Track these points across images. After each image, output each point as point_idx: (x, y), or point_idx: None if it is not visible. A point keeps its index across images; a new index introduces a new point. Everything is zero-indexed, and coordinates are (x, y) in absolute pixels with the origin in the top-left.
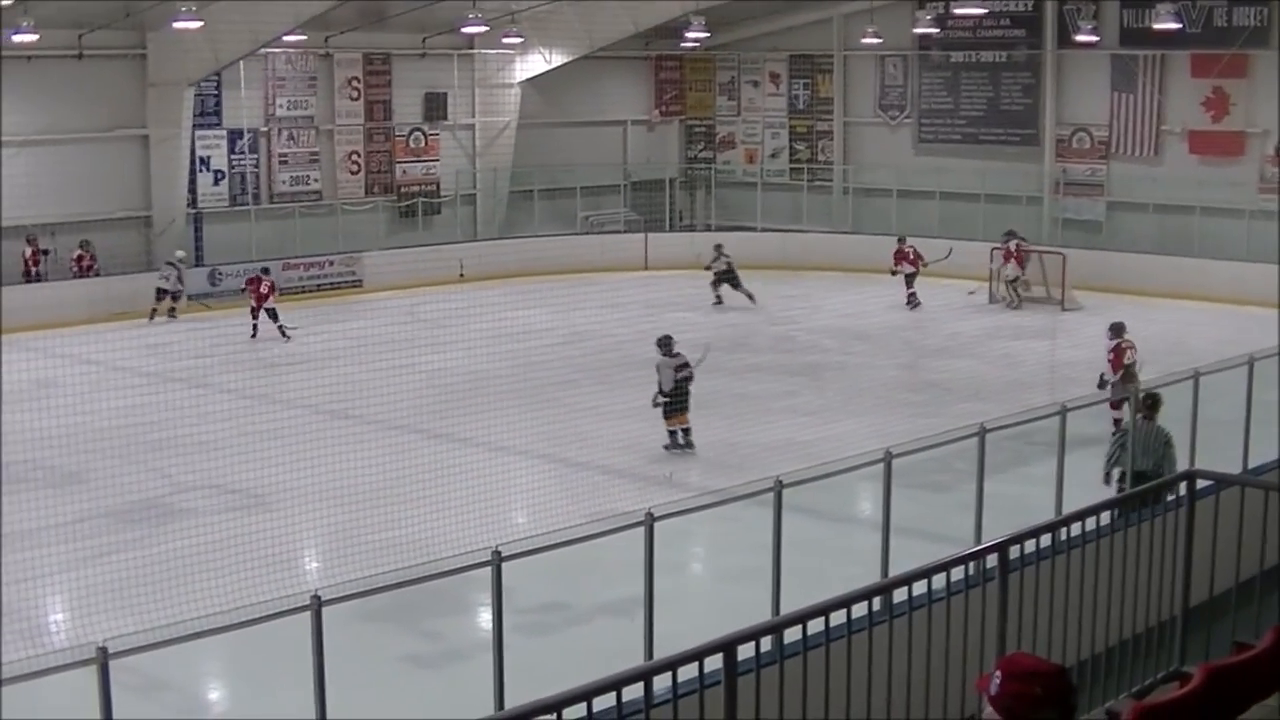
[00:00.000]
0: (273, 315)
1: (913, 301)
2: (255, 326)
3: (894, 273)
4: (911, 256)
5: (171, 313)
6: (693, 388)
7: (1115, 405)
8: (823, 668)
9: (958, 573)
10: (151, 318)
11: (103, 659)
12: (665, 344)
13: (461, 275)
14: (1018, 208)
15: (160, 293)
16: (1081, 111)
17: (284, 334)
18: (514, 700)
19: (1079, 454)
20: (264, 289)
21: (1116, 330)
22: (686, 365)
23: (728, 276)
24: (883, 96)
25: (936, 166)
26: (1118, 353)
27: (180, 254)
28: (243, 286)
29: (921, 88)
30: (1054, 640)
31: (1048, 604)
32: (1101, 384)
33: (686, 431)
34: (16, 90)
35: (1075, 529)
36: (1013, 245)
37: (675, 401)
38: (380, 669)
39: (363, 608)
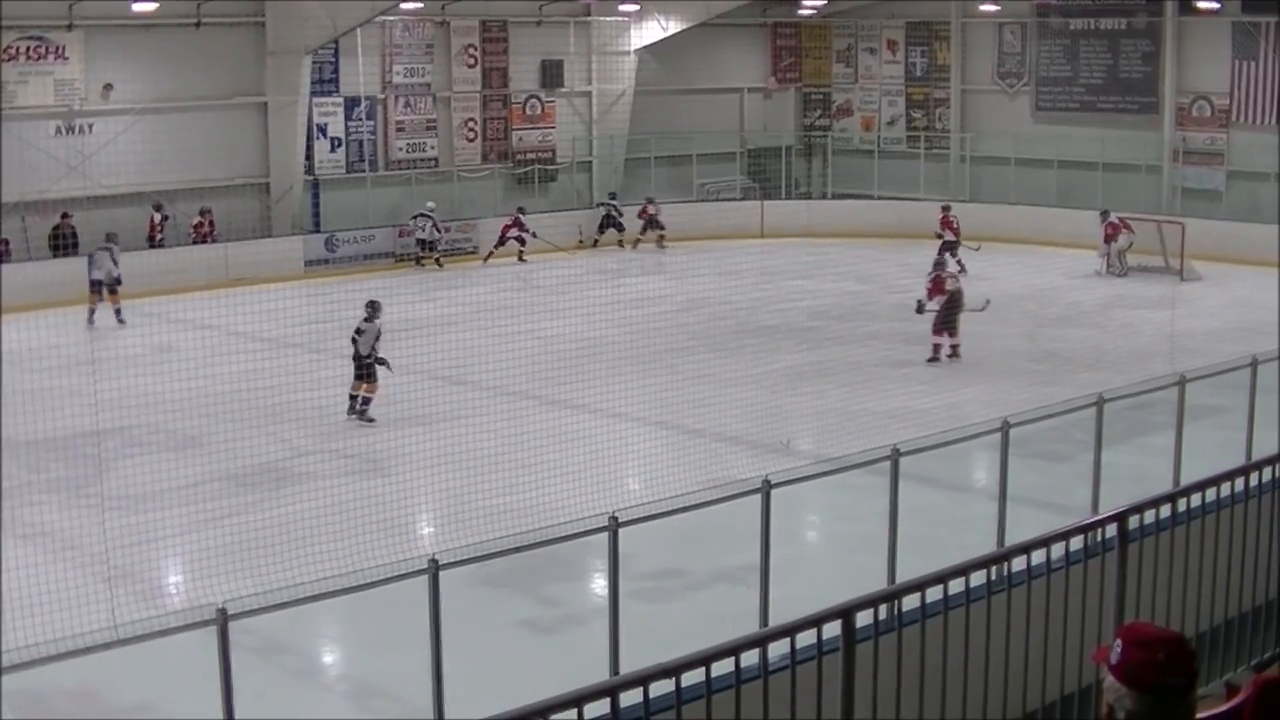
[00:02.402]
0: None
1: (962, 266)
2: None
3: (939, 236)
4: (955, 225)
5: (438, 262)
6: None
7: (936, 332)
8: (940, 636)
9: (1075, 542)
10: (419, 263)
11: (222, 620)
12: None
13: (580, 242)
14: (1136, 176)
15: (420, 244)
16: (1202, 79)
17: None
18: (629, 666)
19: (1198, 424)
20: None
21: (938, 264)
22: (359, 333)
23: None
24: (1000, 64)
25: (1054, 135)
26: (937, 282)
27: (431, 205)
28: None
29: (1040, 55)
30: (1172, 611)
31: (1166, 575)
32: (920, 309)
33: (352, 398)
34: (136, 59)
35: (1195, 499)
36: (1115, 218)
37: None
38: (496, 634)
39: (479, 572)
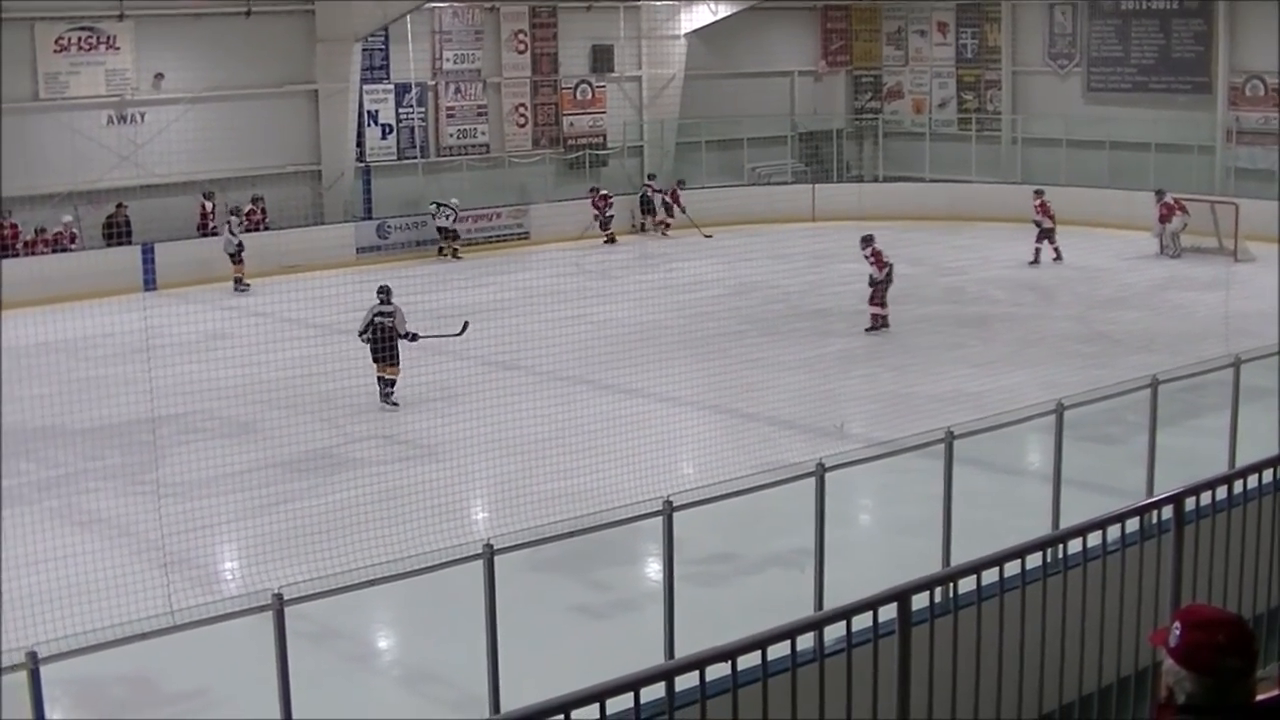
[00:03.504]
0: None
1: (1057, 256)
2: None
3: (1038, 224)
4: (1051, 211)
5: (455, 254)
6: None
7: (875, 302)
8: (996, 618)
9: (1131, 525)
10: (441, 253)
11: (278, 605)
12: (381, 290)
13: (634, 226)
14: (1189, 157)
15: (441, 232)
16: (1255, 58)
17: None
18: (684, 650)
19: (1252, 406)
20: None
21: (867, 240)
22: (389, 315)
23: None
24: (1051, 45)
25: (1106, 116)
26: (877, 256)
27: (455, 200)
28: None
29: (1091, 35)
30: (1229, 594)
31: (1223, 557)
32: (872, 283)
33: (382, 381)
34: (186, 48)
35: (1251, 481)
36: (1170, 199)
37: (374, 349)
38: (550, 618)
39: (532, 557)
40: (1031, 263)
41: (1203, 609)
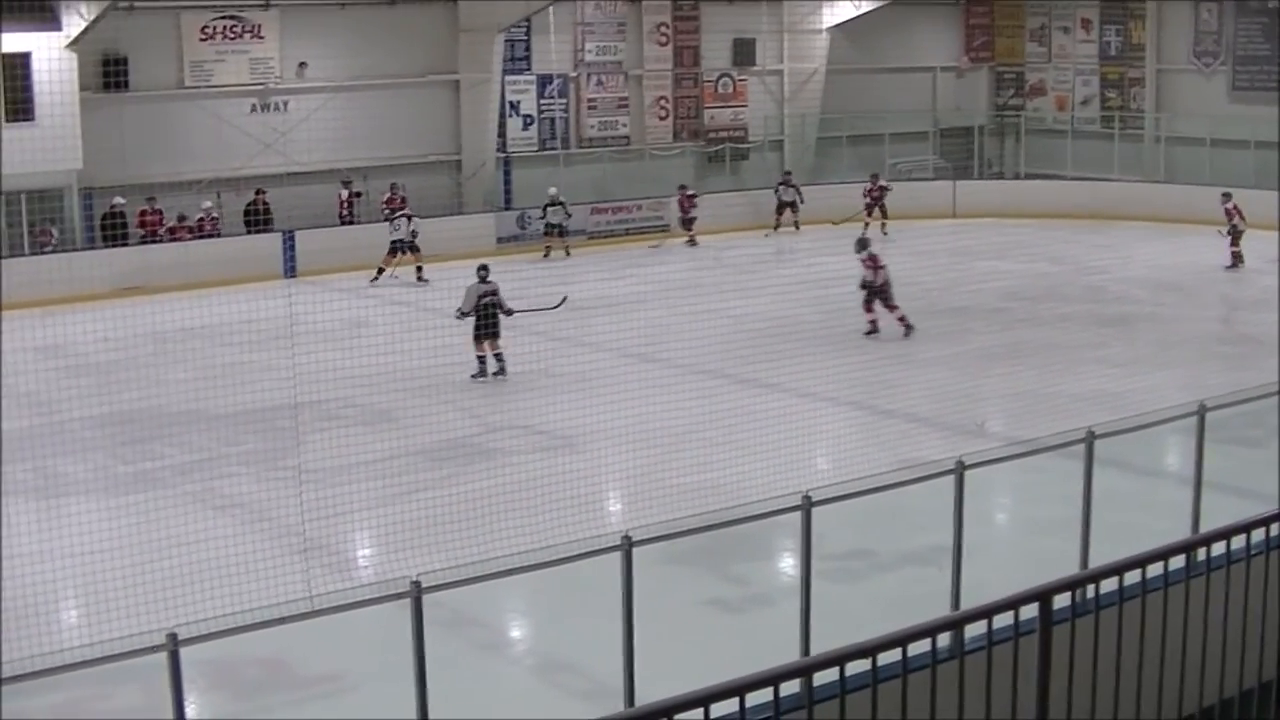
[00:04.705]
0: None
1: (1237, 261)
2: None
3: (1231, 231)
4: (1242, 212)
5: (566, 250)
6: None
7: (868, 307)
8: (1137, 620)
9: (1273, 530)
10: (547, 254)
11: (417, 593)
12: (481, 269)
13: (766, 234)
14: None
15: (550, 229)
16: None
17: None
18: (820, 646)
19: None
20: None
21: (863, 244)
22: (494, 293)
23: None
24: (1197, 43)
25: (1252, 115)
26: (873, 260)
27: (553, 190)
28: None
29: (1238, 33)
30: None
31: None
32: (863, 285)
33: (498, 357)
34: (330, 37)
35: None
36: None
37: (481, 327)
38: (685, 612)
39: (668, 550)
40: (1229, 267)
41: None
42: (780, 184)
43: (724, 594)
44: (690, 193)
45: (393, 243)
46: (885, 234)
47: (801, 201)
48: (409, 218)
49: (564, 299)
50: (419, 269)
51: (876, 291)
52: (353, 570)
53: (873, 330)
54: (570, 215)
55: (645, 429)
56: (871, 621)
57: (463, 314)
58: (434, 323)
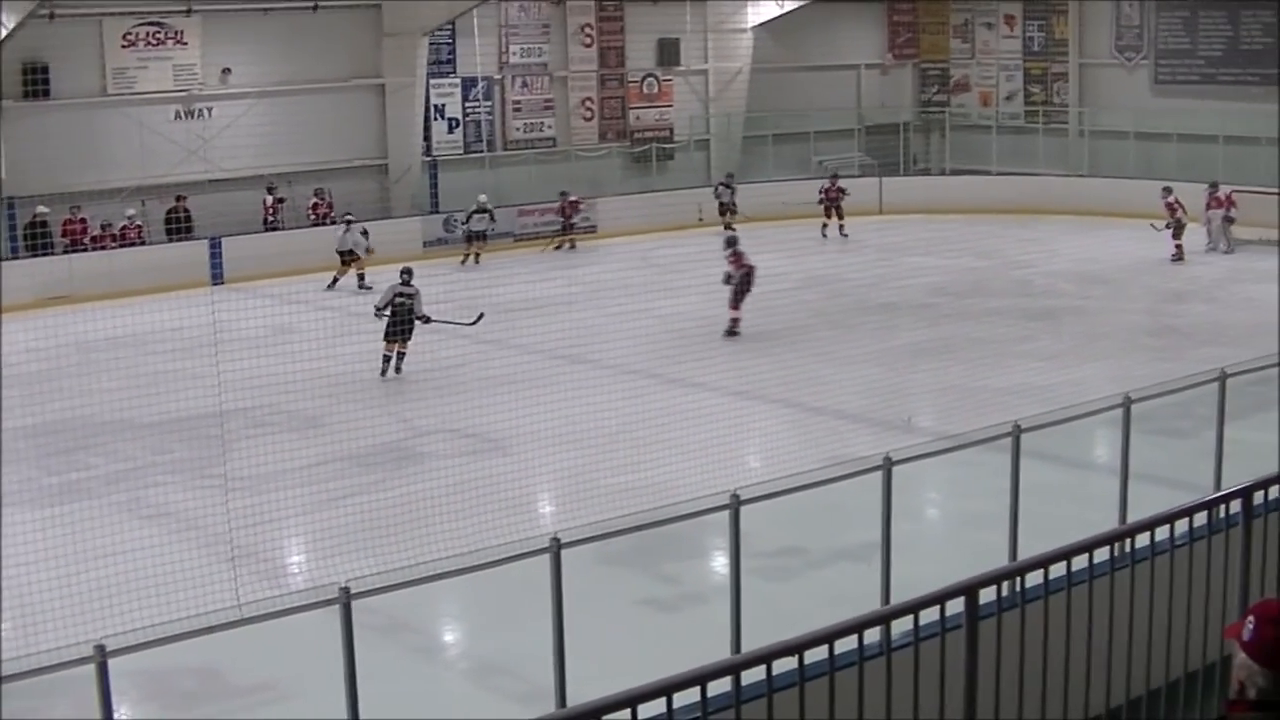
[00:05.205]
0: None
1: (1180, 253)
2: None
3: (1170, 225)
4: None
5: (476, 258)
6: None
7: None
8: (1064, 613)
9: (1199, 519)
10: (464, 261)
11: (346, 599)
12: (404, 272)
13: (700, 220)
14: (1258, 149)
15: (473, 236)
16: None
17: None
18: (751, 644)
19: None
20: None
21: (730, 242)
22: (410, 296)
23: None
24: (1119, 37)
25: (1174, 108)
26: (736, 259)
27: (482, 197)
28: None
29: (1159, 27)
30: None
31: None
32: (727, 280)
33: (399, 356)
34: (254, 43)
35: None
36: (1223, 193)
37: (392, 326)
38: (618, 612)
39: (599, 551)
40: (1175, 260)
41: (1277, 604)
42: (721, 184)
43: (657, 593)
44: (573, 199)
45: (339, 253)
46: (844, 235)
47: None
48: (349, 224)
49: (480, 316)
50: (361, 276)
51: (738, 288)
52: (283, 577)
53: (734, 331)
54: (495, 223)
55: (575, 430)
56: (803, 619)
57: (378, 310)
58: (361, 328)
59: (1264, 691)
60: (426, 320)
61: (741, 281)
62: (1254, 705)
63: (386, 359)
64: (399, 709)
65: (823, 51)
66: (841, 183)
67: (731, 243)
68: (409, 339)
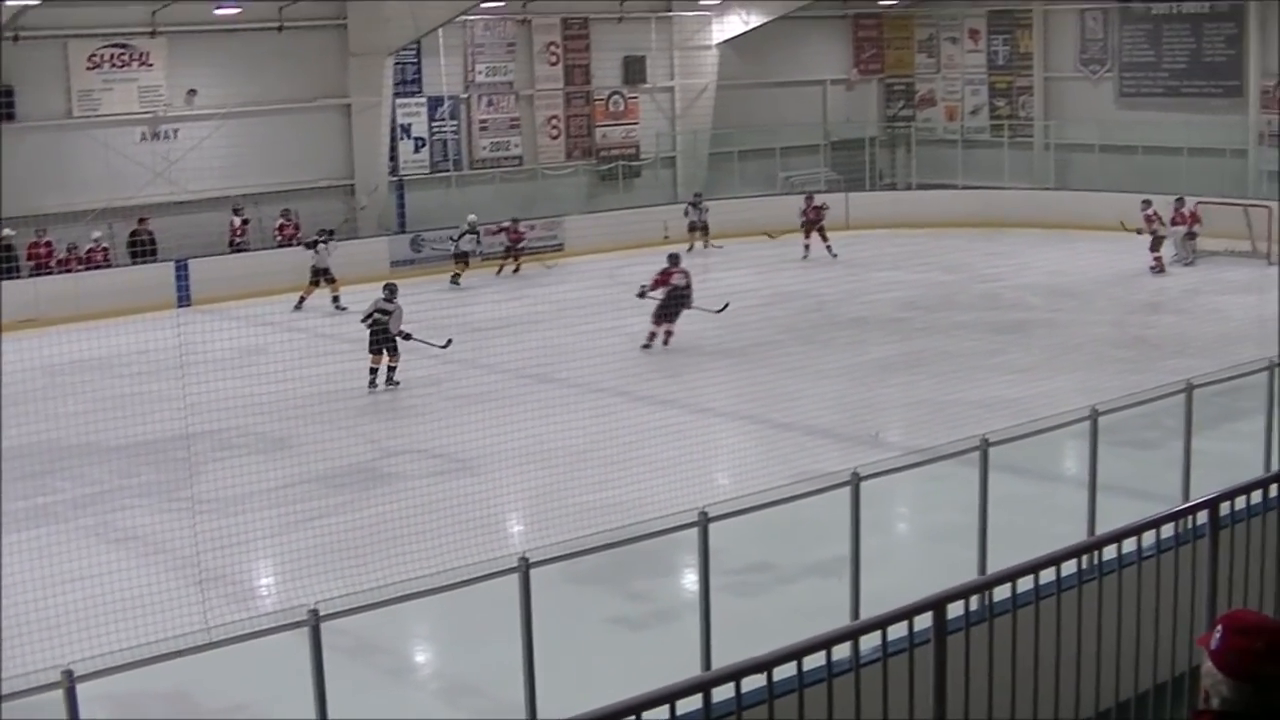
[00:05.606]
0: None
1: (1160, 265)
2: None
3: (1145, 232)
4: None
5: (455, 279)
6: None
7: (655, 321)
8: (1032, 626)
9: (1166, 530)
10: (455, 281)
11: (314, 621)
12: (387, 288)
13: (666, 237)
14: (1222, 161)
15: (461, 257)
16: None
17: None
18: (722, 660)
19: None
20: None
21: (674, 259)
22: (387, 313)
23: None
24: (1083, 50)
25: (1139, 120)
26: (665, 274)
27: (472, 217)
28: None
29: (1123, 41)
30: (1265, 598)
31: (1259, 561)
32: (642, 294)
33: (390, 369)
34: (219, 64)
35: None
36: (1190, 207)
37: (371, 339)
38: (588, 630)
39: (569, 570)
40: (1157, 272)
41: (1248, 615)
42: (691, 204)
43: (627, 611)
44: (520, 225)
45: (317, 269)
46: (834, 255)
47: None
48: (315, 244)
49: (449, 342)
50: (336, 297)
51: (683, 300)
52: (252, 600)
53: (651, 342)
54: (481, 244)
55: (543, 449)
56: (774, 635)
57: (363, 320)
58: (330, 349)
59: (1227, 702)
60: (406, 337)
61: (668, 299)
62: (1217, 716)
63: (372, 371)
64: None
65: (788, 67)
66: (821, 199)
67: (671, 259)
68: (394, 353)
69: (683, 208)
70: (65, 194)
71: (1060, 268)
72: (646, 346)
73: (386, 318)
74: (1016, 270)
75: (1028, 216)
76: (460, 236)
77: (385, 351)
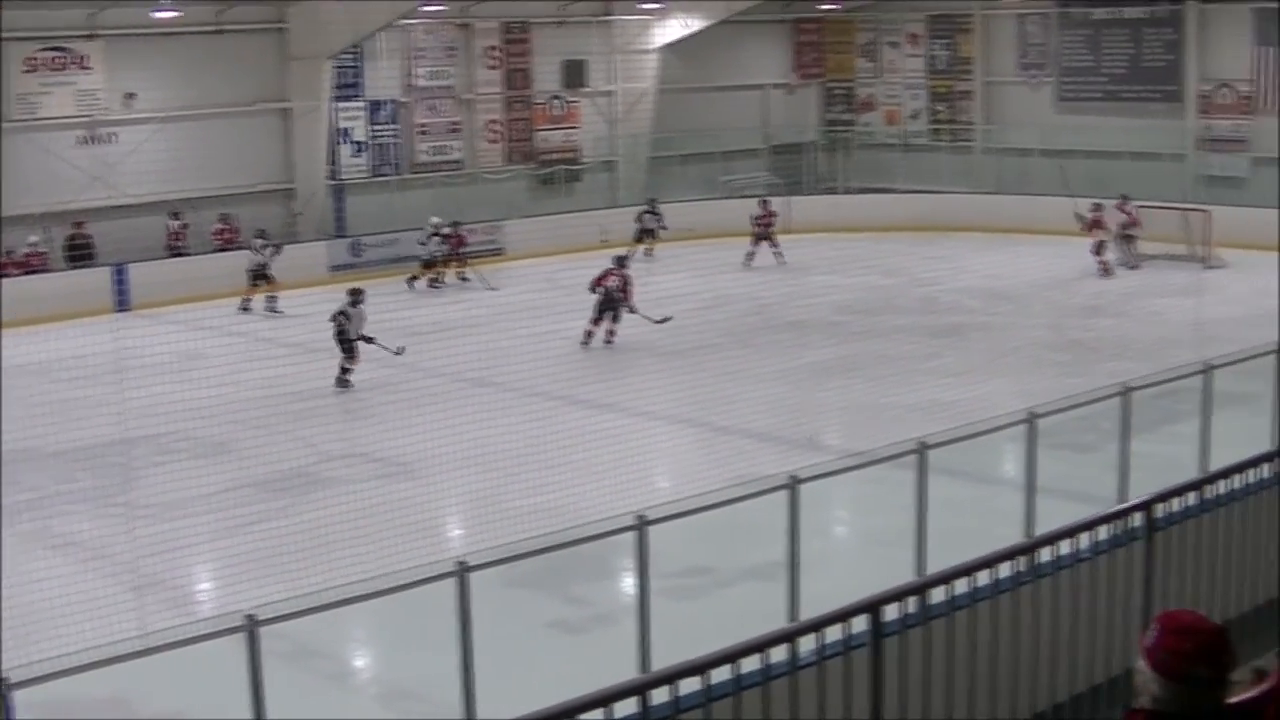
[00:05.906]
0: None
1: (1106, 270)
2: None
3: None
4: (1105, 222)
5: (433, 283)
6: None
7: (593, 321)
8: (969, 628)
9: (1103, 532)
10: (433, 284)
11: (251, 626)
12: (353, 292)
13: (604, 242)
14: (1161, 165)
15: (427, 262)
16: (1224, 66)
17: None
18: (660, 663)
19: (1225, 412)
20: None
21: (619, 261)
22: (344, 315)
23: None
24: (1023, 55)
25: (1078, 125)
26: (605, 275)
27: (435, 219)
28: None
29: (1062, 45)
30: (1200, 598)
31: (1194, 562)
32: (592, 289)
33: (344, 372)
34: (158, 67)
35: (1222, 486)
36: (1130, 209)
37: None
38: (526, 634)
39: (508, 573)
40: (1102, 274)
41: (1184, 615)
42: (645, 211)
43: (566, 615)
44: (460, 229)
45: (249, 271)
46: (783, 261)
47: (663, 228)
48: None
49: (401, 348)
50: (272, 298)
51: (617, 303)
52: (190, 605)
53: (588, 340)
54: (446, 245)
55: (482, 453)
56: (712, 638)
57: (330, 319)
58: (269, 353)
59: (1158, 700)
60: (369, 340)
61: (604, 299)
62: (1149, 715)
63: (342, 370)
64: None
65: (729, 72)
66: (772, 206)
67: (617, 261)
68: (351, 356)
69: (634, 213)
70: (2, 198)
71: (999, 271)
72: (584, 344)
73: (347, 322)
74: (954, 274)
75: (968, 220)
76: (429, 239)
77: (342, 353)
